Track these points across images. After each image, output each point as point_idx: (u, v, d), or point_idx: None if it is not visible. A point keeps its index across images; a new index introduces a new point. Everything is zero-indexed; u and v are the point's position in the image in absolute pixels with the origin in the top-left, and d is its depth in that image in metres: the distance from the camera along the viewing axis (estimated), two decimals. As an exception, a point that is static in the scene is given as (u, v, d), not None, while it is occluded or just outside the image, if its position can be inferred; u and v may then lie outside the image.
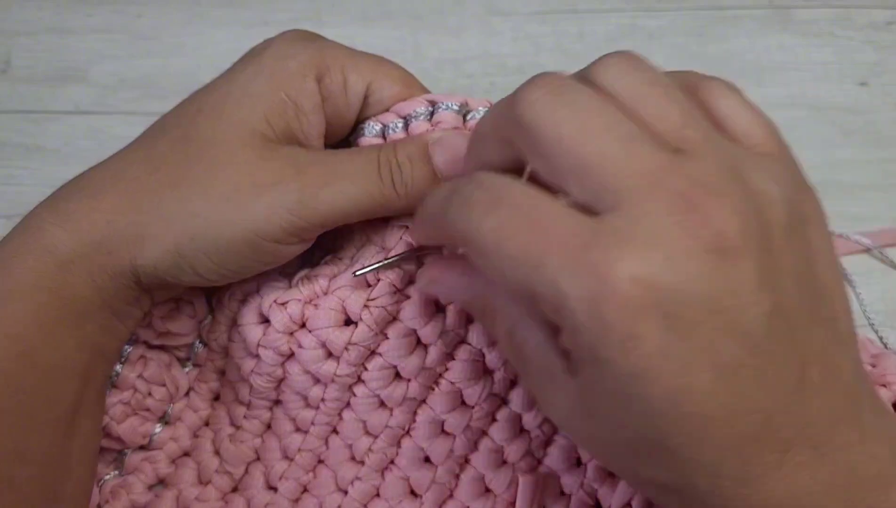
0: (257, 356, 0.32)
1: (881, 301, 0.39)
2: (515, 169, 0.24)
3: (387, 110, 0.32)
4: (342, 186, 0.28)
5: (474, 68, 0.44)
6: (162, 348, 0.34)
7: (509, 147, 0.23)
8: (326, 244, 0.34)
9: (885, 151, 0.43)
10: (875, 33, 0.45)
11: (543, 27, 0.45)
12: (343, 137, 0.33)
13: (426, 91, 0.33)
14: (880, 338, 0.38)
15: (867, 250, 0.40)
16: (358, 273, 0.30)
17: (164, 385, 0.33)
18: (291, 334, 0.31)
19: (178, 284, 0.30)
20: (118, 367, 0.32)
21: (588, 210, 0.21)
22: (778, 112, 0.46)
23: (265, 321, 0.32)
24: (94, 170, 0.30)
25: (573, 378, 0.23)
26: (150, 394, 0.33)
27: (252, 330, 0.32)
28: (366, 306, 0.30)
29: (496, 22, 0.45)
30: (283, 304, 0.31)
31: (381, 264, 0.30)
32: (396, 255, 0.30)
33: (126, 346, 0.32)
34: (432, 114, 0.31)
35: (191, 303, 0.33)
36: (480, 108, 0.31)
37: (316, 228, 0.29)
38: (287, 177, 0.28)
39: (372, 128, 0.31)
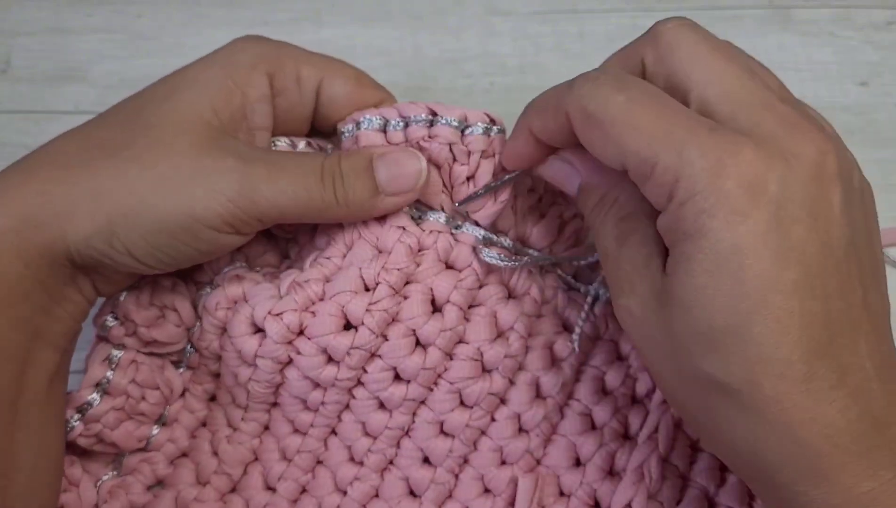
0: (254, 365, 0.32)
1: (881, 301, 0.39)
2: (563, 138, 0.28)
3: (347, 112, 0.32)
4: (284, 185, 0.28)
5: (474, 68, 0.44)
6: (151, 353, 0.33)
7: (562, 117, 0.27)
8: (303, 240, 0.34)
9: (885, 151, 0.43)
10: (875, 33, 0.45)
11: (543, 27, 0.45)
12: (302, 134, 0.33)
13: (381, 89, 0.33)
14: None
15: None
16: (461, 203, 0.31)
17: (157, 388, 0.33)
18: (290, 342, 0.31)
19: (115, 267, 0.29)
20: (109, 373, 0.31)
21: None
22: (778, 112, 0.46)
23: (259, 331, 0.31)
24: (32, 152, 0.29)
25: (665, 269, 0.25)
26: (143, 398, 0.33)
27: (247, 342, 0.31)
28: (368, 310, 0.30)
29: (496, 22, 0.45)
30: (278, 315, 0.30)
31: (487, 189, 0.31)
32: (499, 181, 0.31)
33: (115, 352, 0.32)
34: (431, 123, 0.31)
35: (176, 311, 0.32)
36: (480, 124, 0.31)
37: (254, 222, 0.29)
38: (230, 167, 0.28)
39: (371, 122, 0.31)
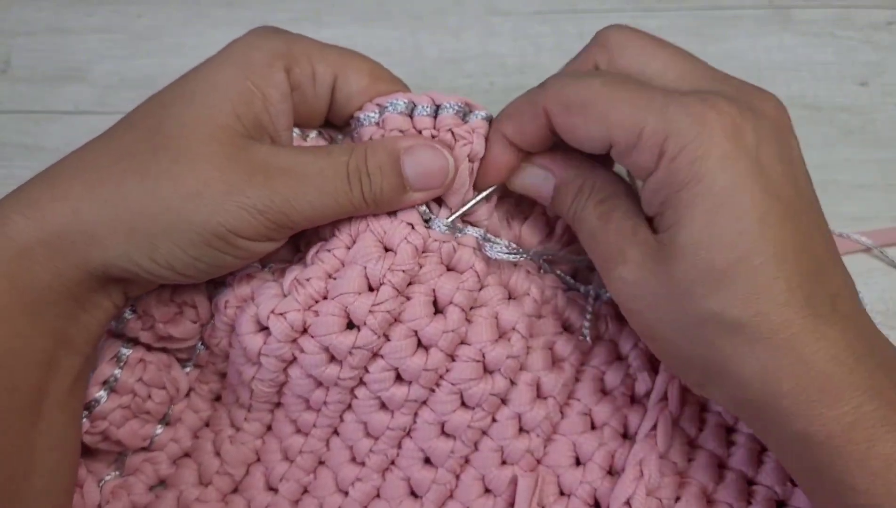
0: (258, 363, 0.32)
1: (881, 301, 0.39)
2: (541, 139, 0.30)
3: (360, 105, 0.32)
4: (312, 197, 0.29)
5: (474, 68, 0.44)
6: (163, 349, 0.34)
7: (541, 120, 0.29)
8: (310, 230, 0.33)
9: (884, 151, 0.43)
10: (875, 33, 0.45)
11: (543, 27, 0.45)
12: (316, 127, 0.33)
13: (397, 82, 0.33)
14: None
15: (867, 249, 0.40)
16: (450, 219, 0.31)
17: (163, 387, 0.33)
18: (293, 341, 0.31)
19: (152, 280, 0.29)
20: (117, 371, 0.32)
21: None
22: (778, 112, 0.46)
23: (264, 329, 0.31)
24: (59, 162, 0.29)
25: (657, 231, 0.27)
26: (149, 397, 0.33)
27: (252, 340, 0.31)
28: (371, 311, 0.30)
29: (496, 22, 0.45)
30: (281, 314, 0.30)
31: (469, 205, 0.31)
32: (479, 196, 0.31)
33: (123, 350, 0.32)
34: (465, 116, 0.31)
35: (194, 307, 0.33)
36: (480, 113, 0.31)
37: (286, 231, 0.29)
38: (257, 180, 0.28)
39: (397, 105, 0.31)
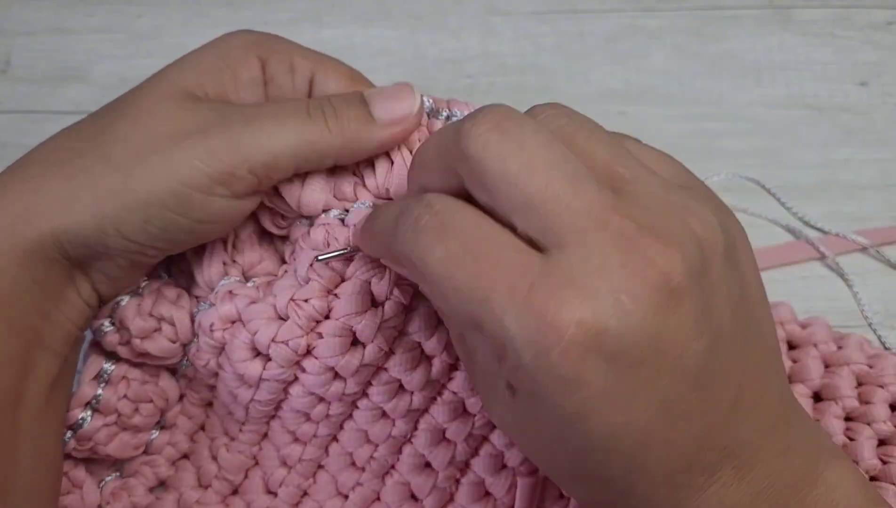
0: (256, 387, 0.31)
1: (879, 301, 0.39)
2: (462, 193, 0.23)
3: None
4: (266, 125, 0.27)
5: (474, 68, 0.44)
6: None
7: (455, 176, 0.23)
8: (296, 236, 0.32)
9: (884, 151, 0.43)
10: (875, 33, 0.45)
11: (543, 27, 0.45)
12: None
13: (372, 87, 0.32)
14: (879, 338, 0.38)
15: (864, 249, 0.40)
16: (321, 257, 0.28)
17: (150, 401, 0.32)
18: (296, 363, 0.30)
19: (109, 256, 0.28)
20: (99, 392, 0.31)
21: (535, 244, 0.21)
22: (778, 112, 0.46)
23: (259, 354, 0.29)
24: (30, 151, 0.29)
25: (514, 400, 0.23)
26: (137, 411, 0.32)
27: (249, 367, 0.29)
28: (379, 329, 0.29)
29: (496, 22, 0.45)
30: (284, 342, 0.29)
31: (340, 253, 0.28)
32: (344, 250, 0.28)
33: (106, 366, 0.31)
34: (447, 117, 0.30)
35: (172, 325, 0.31)
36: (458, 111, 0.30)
37: (245, 175, 0.27)
38: (207, 120, 0.27)
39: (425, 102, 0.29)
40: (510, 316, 0.20)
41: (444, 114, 0.30)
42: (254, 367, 0.29)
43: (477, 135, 0.21)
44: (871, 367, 0.35)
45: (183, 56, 0.30)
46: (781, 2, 0.46)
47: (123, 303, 0.30)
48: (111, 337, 0.31)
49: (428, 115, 0.30)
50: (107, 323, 0.31)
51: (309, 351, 0.29)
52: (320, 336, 0.29)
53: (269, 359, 0.29)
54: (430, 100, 0.29)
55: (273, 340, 0.28)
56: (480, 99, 0.44)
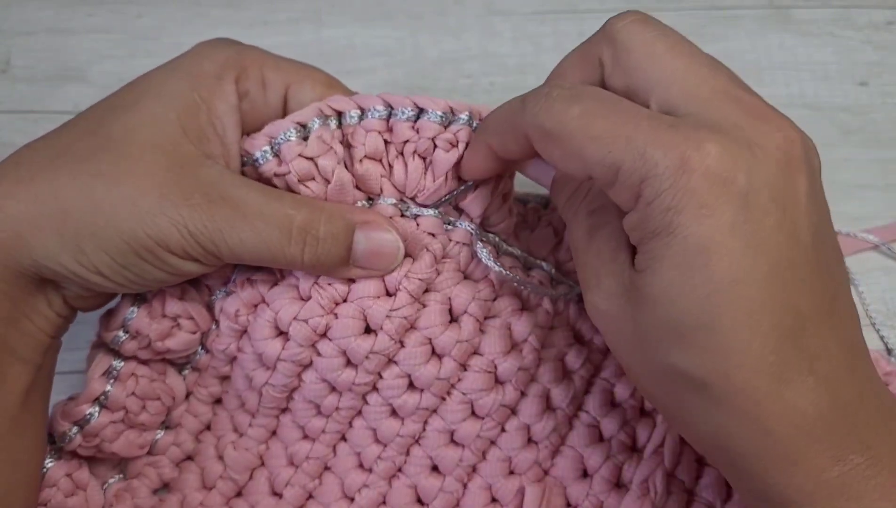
0: (273, 368, 0.31)
1: (881, 300, 0.39)
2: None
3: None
4: (246, 236, 0.28)
5: (474, 68, 0.44)
6: (160, 360, 0.33)
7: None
8: None
9: (884, 151, 0.43)
10: (875, 33, 0.45)
11: (543, 27, 0.45)
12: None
13: (350, 94, 0.32)
14: (882, 338, 0.38)
15: (875, 247, 0.40)
16: (445, 199, 0.30)
17: (158, 398, 0.32)
18: (312, 345, 0.31)
19: (83, 285, 0.28)
20: (108, 388, 0.31)
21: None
22: (778, 112, 0.46)
23: (281, 334, 0.31)
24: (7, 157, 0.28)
25: (632, 277, 0.25)
26: (144, 409, 0.32)
27: (269, 346, 0.31)
28: (388, 316, 0.30)
29: (496, 22, 0.45)
30: (304, 320, 0.30)
31: (449, 197, 0.31)
32: (455, 191, 0.31)
33: (115, 363, 0.31)
34: (417, 117, 0.30)
35: (191, 319, 0.32)
36: (462, 116, 0.30)
37: (214, 259, 0.28)
38: (195, 201, 0.27)
39: (375, 113, 0.30)
40: (653, 146, 0.23)
41: (443, 114, 0.30)
42: (273, 346, 0.31)
43: (624, 24, 0.26)
44: (887, 385, 0.34)
45: (157, 77, 0.30)
46: (781, 2, 0.46)
47: (133, 316, 0.31)
48: (129, 345, 0.31)
49: (446, 127, 0.30)
50: (121, 332, 0.31)
51: (325, 334, 0.30)
52: (336, 317, 0.30)
53: (288, 339, 0.30)
54: (442, 111, 0.30)
55: (295, 318, 0.30)
56: (480, 99, 0.44)
